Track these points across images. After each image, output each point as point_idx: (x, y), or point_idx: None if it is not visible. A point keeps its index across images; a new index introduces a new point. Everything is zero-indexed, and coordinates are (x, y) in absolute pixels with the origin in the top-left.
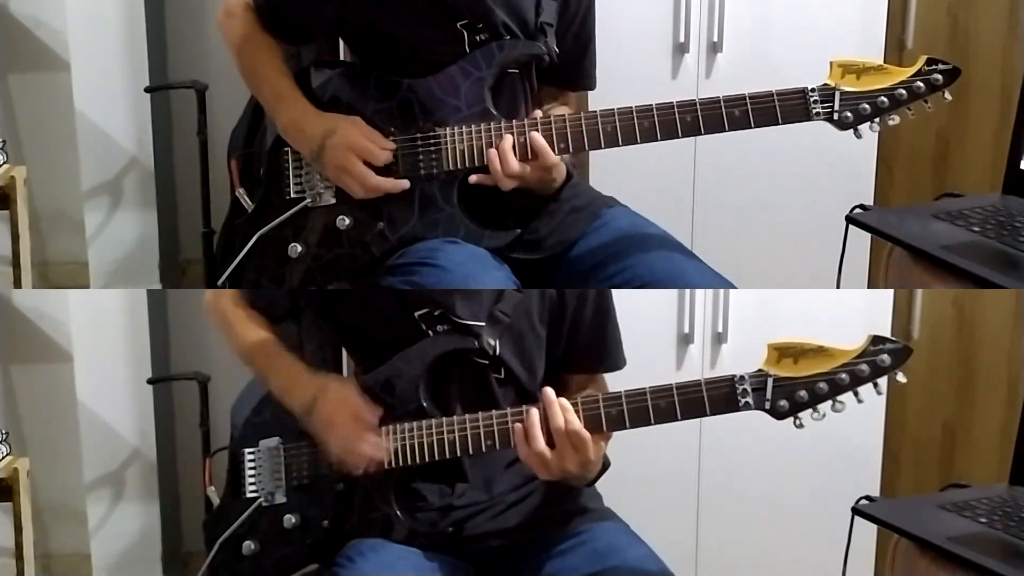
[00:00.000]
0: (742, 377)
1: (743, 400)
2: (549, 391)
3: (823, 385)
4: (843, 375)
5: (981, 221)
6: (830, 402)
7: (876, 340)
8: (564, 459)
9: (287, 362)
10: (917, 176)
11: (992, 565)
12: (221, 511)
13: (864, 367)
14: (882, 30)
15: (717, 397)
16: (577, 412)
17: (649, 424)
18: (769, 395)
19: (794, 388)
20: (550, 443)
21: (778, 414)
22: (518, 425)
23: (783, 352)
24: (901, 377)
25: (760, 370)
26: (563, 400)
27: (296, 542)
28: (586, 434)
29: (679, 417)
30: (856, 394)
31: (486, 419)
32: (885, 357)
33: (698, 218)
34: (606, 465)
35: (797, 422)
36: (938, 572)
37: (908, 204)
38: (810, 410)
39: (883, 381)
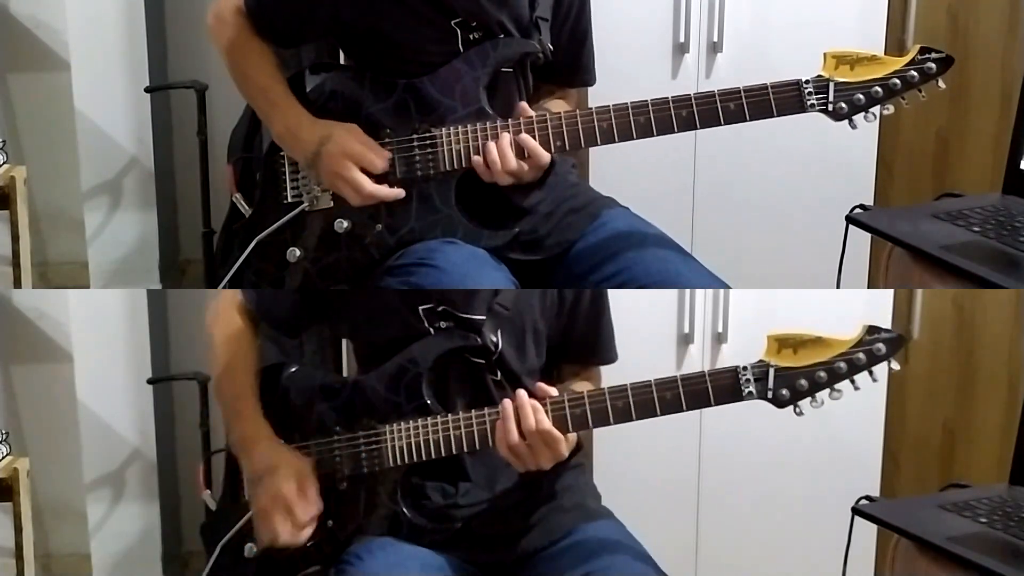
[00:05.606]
0: (745, 367)
1: (746, 390)
2: (522, 393)
3: (822, 374)
4: (841, 364)
5: (981, 221)
6: (828, 390)
7: (871, 330)
8: (537, 456)
9: (249, 415)
10: (917, 176)
11: (992, 565)
12: (219, 514)
13: (861, 355)
14: (882, 30)
15: (721, 387)
16: (583, 406)
17: (655, 416)
18: (771, 384)
19: (795, 377)
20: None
21: (780, 403)
22: (499, 423)
23: (783, 343)
24: (895, 365)
25: (761, 360)
26: (534, 401)
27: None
28: (557, 433)
29: (684, 408)
30: (853, 382)
31: (486, 415)
32: (880, 346)
33: (698, 218)
34: (579, 447)
35: (797, 410)
36: (938, 572)
37: (908, 204)
38: (809, 398)
39: (879, 369)
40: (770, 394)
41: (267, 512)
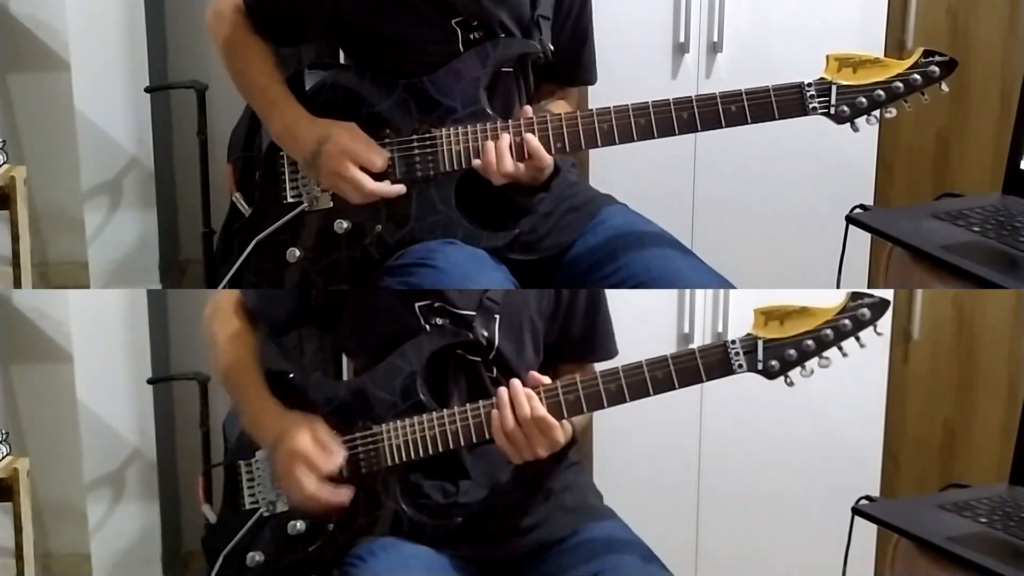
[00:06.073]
0: (734, 341)
1: (736, 363)
2: (516, 381)
3: (810, 343)
4: (827, 331)
5: (981, 221)
6: (817, 358)
7: (855, 296)
8: (533, 444)
9: (257, 395)
10: (917, 176)
11: (992, 565)
12: (220, 525)
13: (846, 322)
14: (882, 30)
15: (712, 363)
16: (576, 392)
17: (648, 395)
18: (760, 356)
19: (783, 348)
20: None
21: (770, 374)
22: (494, 412)
23: (769, 315)
24: (881, 330)
25: (749, 334)
26: (528, 389)
27: (302, 548)
28: (552, 419)
29: (677, 386)
30: (840, 349)
31: (480, 407)
32: (865, 311)
33: (698, 218)
34: (573, 440)
35: (788, 381)
36: (938, 572)
37: (908, 204)
38: (799, 368)
39: (865, 334)
40: (760, 366)
41: (287, 471)
